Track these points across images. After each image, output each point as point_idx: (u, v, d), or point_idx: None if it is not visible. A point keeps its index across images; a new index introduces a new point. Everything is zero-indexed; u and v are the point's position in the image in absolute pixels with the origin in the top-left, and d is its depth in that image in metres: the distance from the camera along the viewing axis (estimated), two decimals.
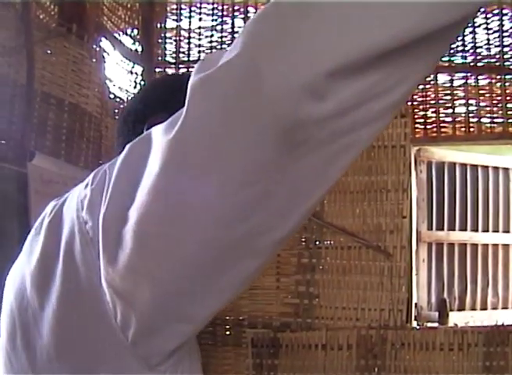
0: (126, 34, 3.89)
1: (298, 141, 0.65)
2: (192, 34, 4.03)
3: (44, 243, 0.89)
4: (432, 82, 3.78)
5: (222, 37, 3.98)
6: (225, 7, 4.01)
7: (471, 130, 3.70)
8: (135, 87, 3.76)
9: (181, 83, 0.77)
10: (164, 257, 0.73)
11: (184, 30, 4.05)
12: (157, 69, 3.99)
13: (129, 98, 3.60)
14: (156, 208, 0.72)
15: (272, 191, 0.68)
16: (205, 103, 0.67)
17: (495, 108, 3.69)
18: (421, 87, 3.77)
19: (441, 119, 3.75)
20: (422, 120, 3.76)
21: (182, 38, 4.04)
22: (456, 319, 3.75)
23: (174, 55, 4.03)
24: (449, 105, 3.75)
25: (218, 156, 0.67)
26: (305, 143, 0.65)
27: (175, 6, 4.06)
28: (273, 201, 0.69)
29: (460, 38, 3.75)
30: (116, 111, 3.44)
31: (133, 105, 1.22)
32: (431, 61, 0.68)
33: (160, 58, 4.03)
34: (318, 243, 3.45)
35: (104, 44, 3.51)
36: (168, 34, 4.06)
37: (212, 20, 4.01)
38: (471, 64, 3.75)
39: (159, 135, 0.72)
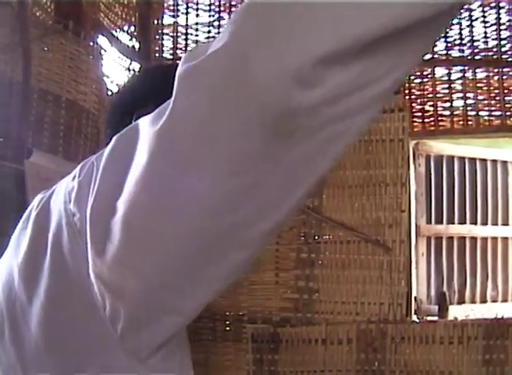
0: (123, 31, 3.88)
1: (289, 130, 0.64)
2: (189, 30, 4.03)
3: (32, 236, 0.89)
4: (429, 76, 3.78)
5: (219, 33, 3.94)
6: (222, 2, 4.00)
7: (469, 123, 3.71)
8: None
9: (170, 74, 0.76)
10: (147, 250, 0.73)
11: (181, 26, 4.05)
12: None
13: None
14: (144, 199, 0.72)
15: (261, 182, 0.67)
16: (192, 93, 0.67)
17: (493, 102, 3.70)
18: (418, 80, 3.78)
19: (439, 112, 3.75)
20: (420, 114, 3.77)
21: (179, 34, 4.04)
22: (456, 312, 3.76)
23: (171, 52, 4.03)
24: (447, 98, 3.76)
25: (205, 147, 0.66)
26: (297, 132, 0.65)
27: (172, 2, 4.06)
28: (263, 191, 0.68)
29: (457, 32, 3.76)
30: None
31: (122, 96, 1.22)
32: (421, 49, 0.68)
33: (157, 54, 4.02)
34: (316, 238, 3.44)
35: (102, 40, 3.51)
36: (165, 31, 4.05)
37: (209, 16, 4.01)
38: (469, 57, 3.75)
39: (146, 126, 0.72)
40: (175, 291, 0.76)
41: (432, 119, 3.76)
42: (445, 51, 3.77)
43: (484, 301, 4.15)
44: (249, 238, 0.72)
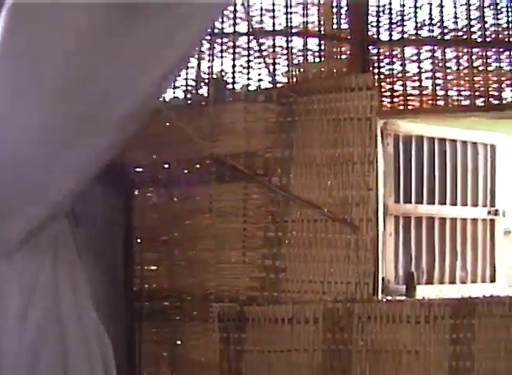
0: None
1: (136, 7, 0.63)
2: None
3: None
4: (398, 55, 3.78)
5: None
6: None
7: (438, 103, 3.71)
8: None
9: None
10: (3, 137, 0.72)
11: None
12: None
13: None
14: None
15: (110, 57, 0.66)
16: None
17: (462, 82, 3.69)
18: (387, 60, 3.77)
19: (408, 92, 3.74)
20: (389, 93, 3.76)
21: None
22: (424, 293, 3.74)
23: None
24: (416, 78, 3.75)
25: (48, 25, 0.65)
26: (145, 9, 0.63)
27: None
28: (113, 68, 0.67)
29: (427, 12, 3.76)
30: None
31: None
32: None
33: None
34: (284, 216, 3.42)
35: None
36: None
37: None
38: (438, 37, 3.75)
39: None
40: (32, 181, 0.75)
41: (401, 98, 3.75)
42: (414, 31, 3.77)
43: (453, 281, 4.15)
44: (105, 123, 0.71)
